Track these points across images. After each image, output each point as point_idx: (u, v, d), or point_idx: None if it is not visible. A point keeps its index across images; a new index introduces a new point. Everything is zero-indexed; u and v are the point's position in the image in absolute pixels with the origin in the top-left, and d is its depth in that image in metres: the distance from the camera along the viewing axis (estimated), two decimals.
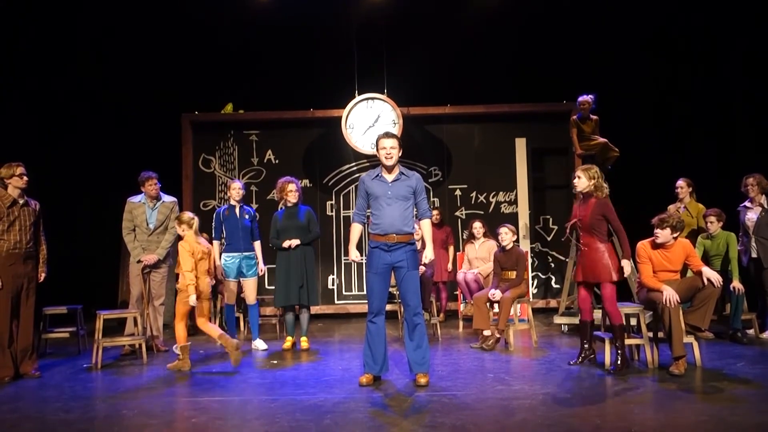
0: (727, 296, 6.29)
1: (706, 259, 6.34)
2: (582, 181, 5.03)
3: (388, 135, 4.70)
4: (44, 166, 7.76)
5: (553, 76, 8.72)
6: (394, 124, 8.41)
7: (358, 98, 8.44)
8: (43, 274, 5.48)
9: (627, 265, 4.92)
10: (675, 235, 5.09)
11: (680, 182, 6.87)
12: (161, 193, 6.33)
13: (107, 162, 8.88)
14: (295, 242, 6.13)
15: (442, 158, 9.02)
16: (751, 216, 6.36)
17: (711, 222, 6.34)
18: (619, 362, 4.87)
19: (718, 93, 8.59)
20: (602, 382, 4.67)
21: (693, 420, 3.72)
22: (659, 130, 8.89)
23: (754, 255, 6.33)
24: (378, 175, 4.69)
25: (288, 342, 6.26)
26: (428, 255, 4.72)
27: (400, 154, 4.67)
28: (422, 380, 4.59)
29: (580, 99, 7.20)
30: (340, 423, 3.77)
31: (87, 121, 8.90)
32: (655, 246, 5.15)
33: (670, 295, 4.83)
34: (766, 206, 6.32)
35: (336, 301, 8.90)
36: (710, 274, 4.94)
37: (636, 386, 4.51)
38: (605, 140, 7.21)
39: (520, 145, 8.75)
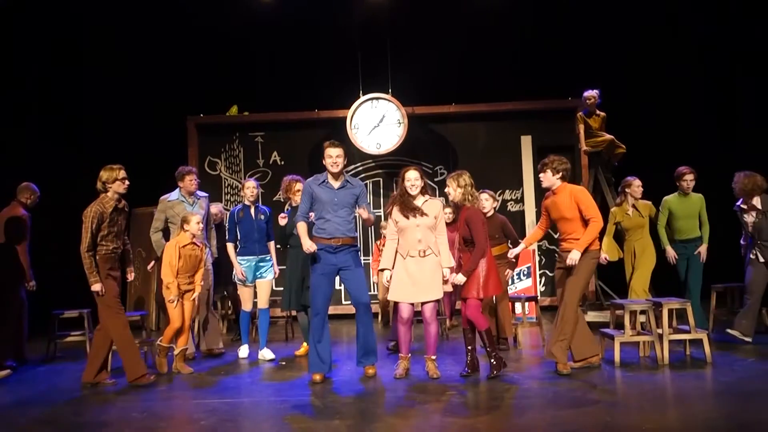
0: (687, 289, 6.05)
1: (670, 223, 6.08)
2: (451, 189, 4.85)
3: (334, 144, 4.91)
4: (52, 169, 7.80)
5: (558, 73, 8.70)
6: (399, 123, 8.40)
7: (362, 98, 8.43)
8: (132, 274, 5.42)
9: (454, 277, 4.74)
10: (558, 177, 4.89)
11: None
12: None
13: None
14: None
15: (447, 157, 9.00)
16: (748, 219, 5.91)
17: (689, 180, 5.99)
18: (494, 363, 4.77)
19: (725, 87, 8.56)
20: (612, 380, 4.65)
21: (704, 417, 3.70)
22: (667, 125, 8.83)
23: (761, 260, 5.81)
24: (324, 181, 4.86)
25: (303, 348, 5.95)
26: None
27: (344, 162, 4.93)
28: (371, 371, 4.91)
29: (586, 94, 7.18)
30: (349, 423, 3.77)
31: (93, 126, 8.92)
32: (548, 195, 5.06)
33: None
34: (760, 207, 5.83)
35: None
36: (574, 255, 4.70)
37: (646, 384, 4.49)
38: (612, 137, 7.19)
39: (526, 142, 8.73)
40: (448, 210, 5.90)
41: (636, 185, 6.14)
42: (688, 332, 5.16)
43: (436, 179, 8.96)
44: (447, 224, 7.94)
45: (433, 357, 4.91)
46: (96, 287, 4.80)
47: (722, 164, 7.73)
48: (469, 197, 4.82)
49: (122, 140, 8.87)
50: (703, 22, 8.51)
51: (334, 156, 4.83)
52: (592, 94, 7.17)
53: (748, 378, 4.52)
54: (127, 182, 4.99)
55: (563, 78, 8.62)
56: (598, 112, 7.26)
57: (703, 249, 6.06)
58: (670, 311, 5.29)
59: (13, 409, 4.44)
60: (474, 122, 9.02)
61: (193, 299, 5.48)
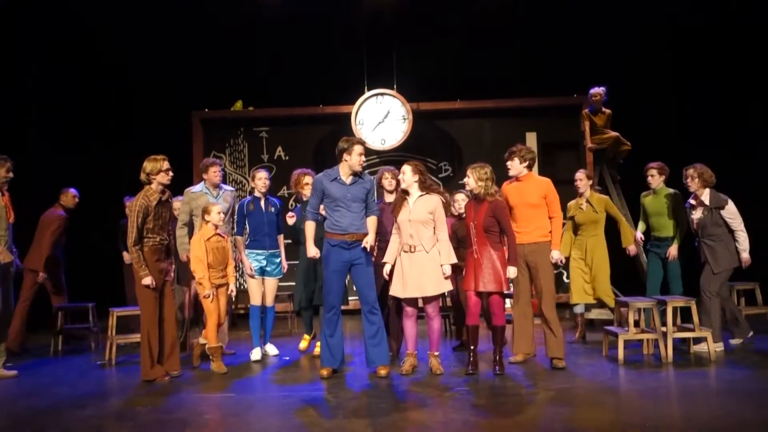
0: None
1: (646, 220, 5.96)
2: (470, 181, 4.84)
3: (361, 142, 4.90)
4: (52, 170, 7.82)
5: (564, 70, 8.66)
6: (404, 119, 8.39)
7: (367, 94, 8.42)
8: (173, 266, 5.24)
9: (513, 271, 4.75)
10: (524, 165, 4.99)
11: (579, 174, 6.09)
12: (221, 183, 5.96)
13: (118, 160, 8.89)
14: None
15: (451, 153, 8.99)
16: (695, 216, 5.51)
17: (652, 176, 5.84)
18: (498, 359, 4.80)
19: (725, 86, 8.51)
20: (616, 378, 4.65)
21: (707, 415, 3.70)
22: (672, 123, 8.79)
23: (702, 260, 5.49)
24: (337, 177, 4.82)
25: (305, 341, 5.97)
26: (368, 240, 4.80)
27: None
28: (383, 371, 4.79)
29: (592, 91, 7.17)
30: (353, 418, 3.78)
31: (97, 120, 8.92)
32: (511, 181, 5.12)
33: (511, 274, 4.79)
34: (707, 203, 5.43)
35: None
36: (555, 255, 4.95)
37: (650, 381, 4.48)
38: (617, 134, 7.17)
39: (531, 139, 8.71)
40: (461, 196, 5.59)
41: (577, 178, 6.06)
42: (692, 330, 5.15)
43: (440, 175, 8.96)
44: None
45: (436, 353, 4.91)
46: (146, 281, 4.78)
47: (722, 164, 7.69)
48: (489, 190, 4.79)
49: (127, 134, 8.89)
50: (702, 22, 8.46)
51: (364, 155, 4.85)
52: (598, 91, 7.14)
53: (751, 376, 4.52)
54: (171, 173, 4.93)
55: (569, 75, 8.58)
56: (603, 109, 7.24)
57: (671, 249, 5.78)
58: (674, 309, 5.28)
59: (16, 400, 4.47)
60: (479, 119, 9.00)
61: (229, 293, 5.40)
